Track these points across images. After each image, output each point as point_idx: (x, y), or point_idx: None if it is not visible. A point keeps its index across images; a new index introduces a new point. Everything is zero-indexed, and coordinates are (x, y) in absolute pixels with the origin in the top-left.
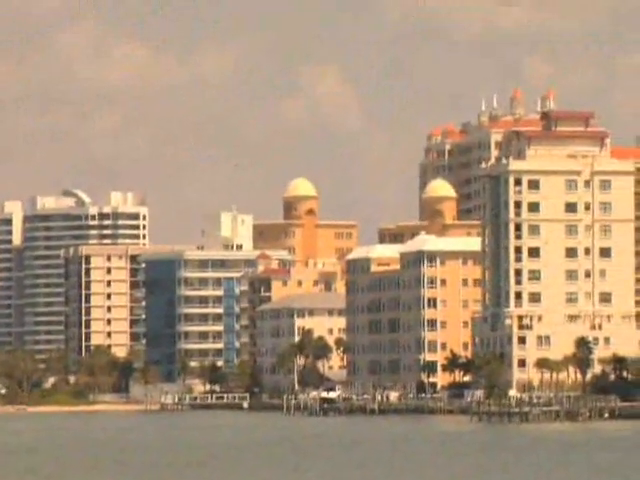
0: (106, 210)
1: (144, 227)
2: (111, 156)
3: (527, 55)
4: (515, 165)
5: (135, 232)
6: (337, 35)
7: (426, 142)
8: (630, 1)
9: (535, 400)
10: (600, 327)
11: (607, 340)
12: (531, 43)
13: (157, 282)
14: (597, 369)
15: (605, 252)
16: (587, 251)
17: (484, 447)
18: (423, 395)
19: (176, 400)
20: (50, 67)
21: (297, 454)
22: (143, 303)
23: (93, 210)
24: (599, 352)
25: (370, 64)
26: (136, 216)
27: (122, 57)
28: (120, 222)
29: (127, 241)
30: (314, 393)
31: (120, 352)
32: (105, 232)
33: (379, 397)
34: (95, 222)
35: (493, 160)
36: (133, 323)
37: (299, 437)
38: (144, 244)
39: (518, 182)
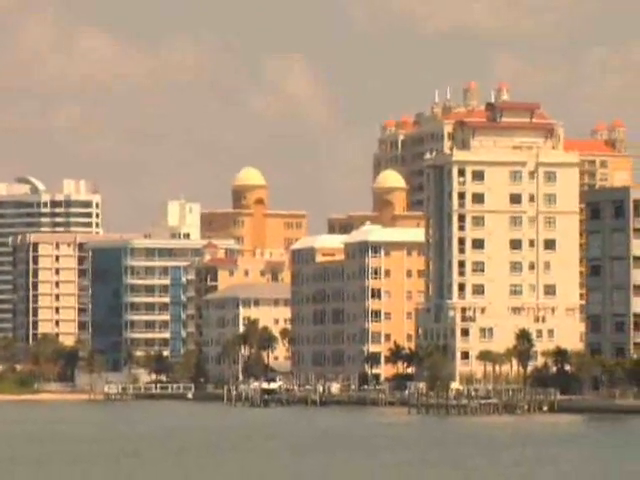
0: (58, 198)
1: (97, 215)
2: (68, 146)
3: (493, 49)
4: (459, 156)
5: (87, 220)
6: (301, 26)
7: (380, 133)
8: None
9: (473, 393)
10: (544, 320)
11: (551, 333)
12: (497, 37)
13: (103, 271)
14: (540, 362)
15: (549, 244)
16: (531, 243)
17: (410, 440)
18: (365, 387)
19: (120, 390)
20: (14, 57)
21: (211, 445)
22: (90, 292)
23: (45, 197)
24: (543, 345)
25: (334, 55)
26: (89, 204)
27: (87, 49)
28: (72, 210)
29: (79, 229)
30: (255, 384)
31: (68, 341)
32: (57, 220)
33: (321, 388)
34: (47, 210)
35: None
36: (81, 312)
37: (223, 428)
38: (97, 232)
39: (462, 173)
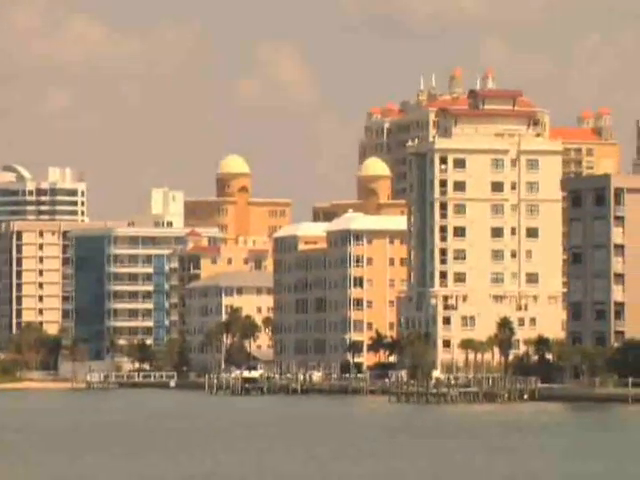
0: (44, 186)
1: (82, 204)
2: (54, 133)
3: (480, 36)
4: (441, 143)
5: (73, 208)
6: (288, 14)
7: (366, 120)
8: None
9: (453, 381)
10: (526, 308)
11: (533, 321)
12: (485, 24)
13: (87, 259)
14: (522, 350)
15: (532, 232)
16: (513, 231)
17: (386, 428)
18: (347, 375)
19: (102, 378)
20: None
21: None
22: (73, 280)
23: (31, 186)
24: (525, 333)
25: (321, 43)
26: (74, 192)
27: (76, 34)
28: (58, 198)
29: (65, 217)
30: (236, 372)
31: (52, 329)
32: (43, 208)
33: (302, 377)
34: (33, 198)
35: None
36: (65, 300)
37: (193, 415)
38: (82, 220)
39: (444, 160)
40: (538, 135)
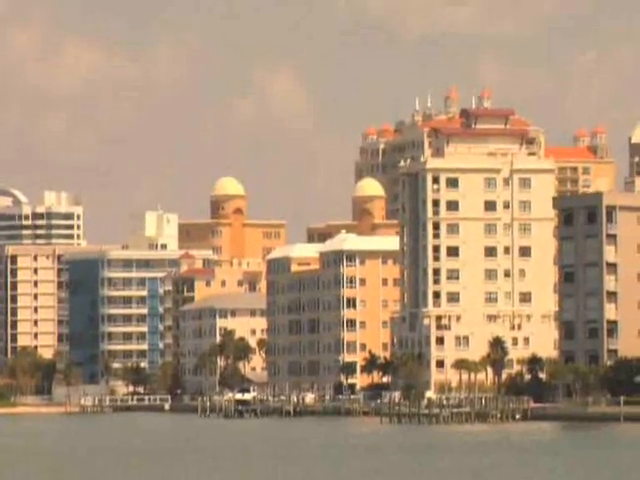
0: (40, 210)
1: (78, 227)
2: (51, 157)
3: (478, 56)
4: (433, 163)
5: (69, 232)
6: (284, 36)
7: (362, 141)
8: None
9: (445, 402)
10: (520, 327)
11: (526, 340)
12: (481, 43)
13: (80, 282)
14: (515, 370)
15: (525, 251)
16: (506, 250)
17: (373, 449)
18: (340, 397)
19: (96, 402)
20: None
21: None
22: (67, 304)
23: (27, 210)
24: (518, 352)
25: (317, 64)
26: (70, 216)
27: (72, 58)
28: (54, 222)
29: (61, 241)
30: (229, 395)
31: (47, 353)
32: (39, 232)
33: (295, 399)
34: (29, 222)
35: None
36: (60, 324)
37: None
38: (78, 244)
39: (436, 180)
40: (533, 154)
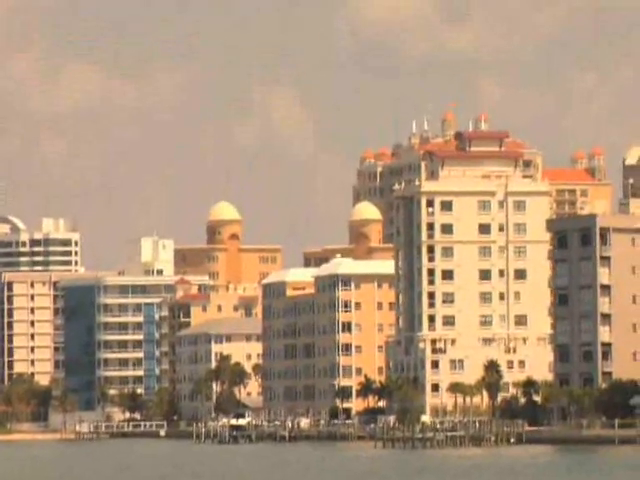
0: (37, 236)
1: (76, 253)
2: (50, 183)
3: (477, 77)
4: (427, 186)
5: (67, 258)
6: (281, 59)
7: (359, 165)
8: (582, 21)
9: (439, 425)
10: (515, 350)
11: (522, 363)
12: (481, 65)
13: (76, 308)
14: (511, 393)
15: (519, 274)
16: (501, 273)
17: (366, 473)
18: (336, 421)
19: (92, 429)
20: None
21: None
22: (63, 330)
23: (25, 237)
24: (514, 376)
25: (315, 87)
26: (68, 242)
27: (72, 81)
28: (52, 249)
29: (59, 267)
30: (224, 420)
31: (44, 380)
32: (37, 259)
33: (290, 424)
34: (26, 249)
35: None
36: (56, 350)
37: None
38: (76, 270)
39: (431, 204)
40: (530, 177)
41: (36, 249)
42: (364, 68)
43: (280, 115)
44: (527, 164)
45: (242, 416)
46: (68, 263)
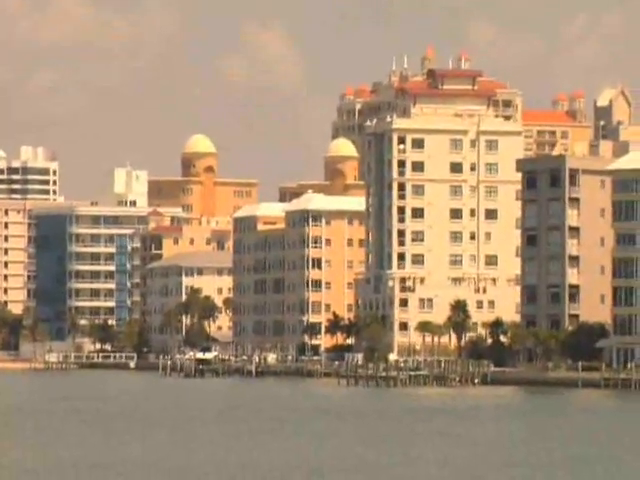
0: (15, 164)
1: (54, 183)
2: (33, 112)
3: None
4: (399, 123)
5: (45, 187)
6: None
7: (339, 101)
8: None
9: (403, 364)
10: (484, 290)
11: (491, 304)
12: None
13: (49, 238)
14: (479, 333)
15: (490, 214)
16: (472, 213)
17: (321, 411)
18: (303, 357)
19: (61, 359)
20: None
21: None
22: (35, 259)
23: (2, 164)
24: (483, 316)
25: (301, 23)
26: (46, 171)
27: (60, 14)
28: (30, 177)
29: (37, 196)
30: (190, 354)
31: (17, 309)
32: (14, 187)
33: (257, 359)
34: (4, 176)
35: None
36: (29, 279)
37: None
38: (54, 199)
39: (402, 141)
40: (509, 117)
41: (14, 177)
42: (354, 7)
43: (267, 51)
44: (507, 104)
45: (208, 350)
46: (46, 192)
